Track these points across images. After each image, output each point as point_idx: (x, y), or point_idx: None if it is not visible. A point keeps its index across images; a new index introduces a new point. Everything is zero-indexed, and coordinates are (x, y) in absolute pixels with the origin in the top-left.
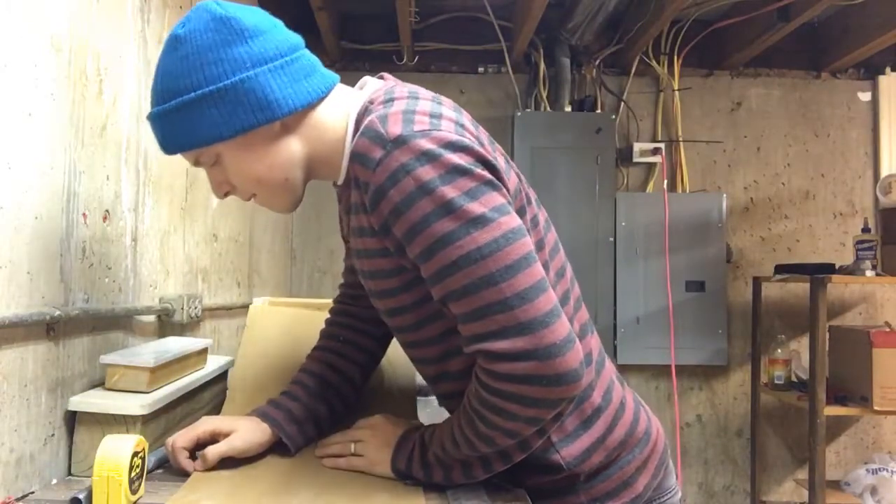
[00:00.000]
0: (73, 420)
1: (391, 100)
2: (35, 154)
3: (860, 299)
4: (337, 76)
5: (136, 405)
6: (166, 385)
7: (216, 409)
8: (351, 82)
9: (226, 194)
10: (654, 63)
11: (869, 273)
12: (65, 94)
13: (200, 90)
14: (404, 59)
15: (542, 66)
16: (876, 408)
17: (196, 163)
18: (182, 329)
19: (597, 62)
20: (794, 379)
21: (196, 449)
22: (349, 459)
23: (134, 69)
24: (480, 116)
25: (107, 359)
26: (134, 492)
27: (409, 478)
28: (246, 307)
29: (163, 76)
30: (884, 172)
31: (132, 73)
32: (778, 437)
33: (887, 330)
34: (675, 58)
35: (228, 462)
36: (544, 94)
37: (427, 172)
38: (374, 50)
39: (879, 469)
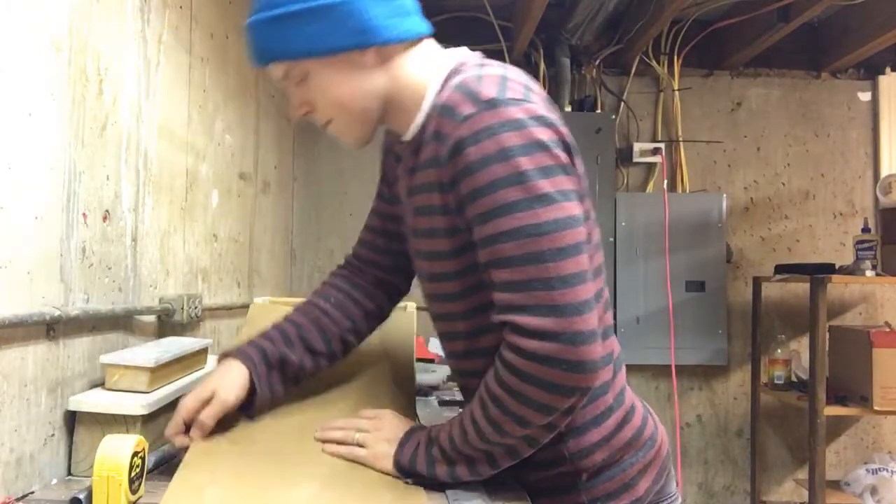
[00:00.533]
0: (73, 420)
1: (484, 65)
2: (35, 154)
3: (860, 299)
4: (430, 28)
5: (136, 405)
6: (166, 385)
7: None
8: None
9: (305, 114)
10: (654, 63)
11: (869, 273)
12: (65, 94)
13: (304, 4)
14: None
15: (542, 66)
16: (876, 408)
17: (284, 76)
18: (182, 329)
19: (597, 62)
20: (794, 379)
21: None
22: (351, 449)
23: (134, 69)
24: None
25: (107, 359)
26: (134, 492)
27: (411, 474)
28: (246, 307)
29: None
30: (884, 172)
31: (132, 73)
32: (778, 437)
33: (887, 330)
34: (675, 58)
35: (223, 427)
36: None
37: (510, 139)
38: None
39: (879, 469)
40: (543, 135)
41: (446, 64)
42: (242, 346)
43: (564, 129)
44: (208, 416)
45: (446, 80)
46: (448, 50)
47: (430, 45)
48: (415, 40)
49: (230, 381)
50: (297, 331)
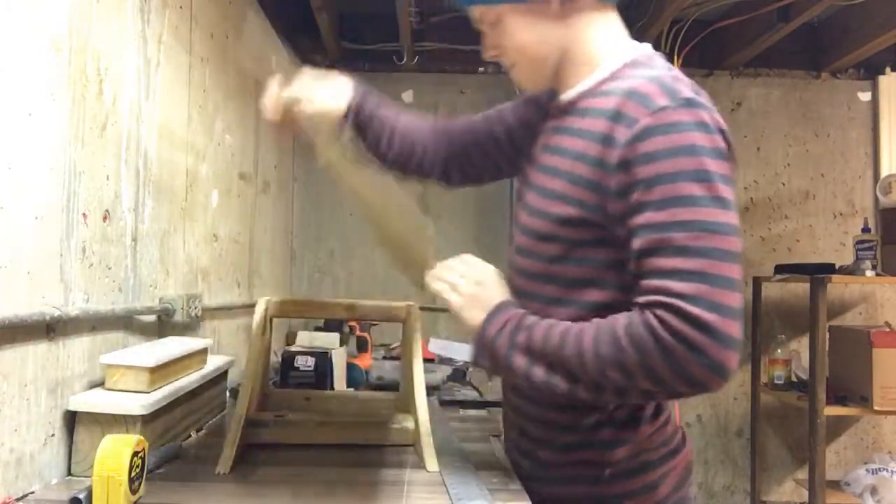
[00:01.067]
0: (73, 420)
1: (672, 68)
2: (35, 154)
3: (860, 299)
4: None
5: (136, 405)
6: (166, 385)
7: (217, 409)
8: None
9: (494, 56)
10: None
11: (869, 273)
12: (65, 94)
13: None
14: (404, 59)
15: None
16: (876, 408)
17: (480, 19)
18: (182, 329)
19: None
20: (794, 379)
21: None
22: (448, 293)
23: (134, 69)
24: None
25: (107, 359)
26: (134, 492)
27: (488, 347)
28: (246, 307)
29: None
30: (884, 172)
31: (132, 73)
32: (778, 437)
33: (887, 330)
34: (675, 58)
35: None
36: None
37: (700, 139)
38: (374, 50)
39: (879, 469)
40: (723, 145)
41: (629, 49)
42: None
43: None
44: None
45: (629, 66)
46: (627, 36)
47: (615, 19)
48: (598, 4)
49: (337, 101)
50: (393, 127)
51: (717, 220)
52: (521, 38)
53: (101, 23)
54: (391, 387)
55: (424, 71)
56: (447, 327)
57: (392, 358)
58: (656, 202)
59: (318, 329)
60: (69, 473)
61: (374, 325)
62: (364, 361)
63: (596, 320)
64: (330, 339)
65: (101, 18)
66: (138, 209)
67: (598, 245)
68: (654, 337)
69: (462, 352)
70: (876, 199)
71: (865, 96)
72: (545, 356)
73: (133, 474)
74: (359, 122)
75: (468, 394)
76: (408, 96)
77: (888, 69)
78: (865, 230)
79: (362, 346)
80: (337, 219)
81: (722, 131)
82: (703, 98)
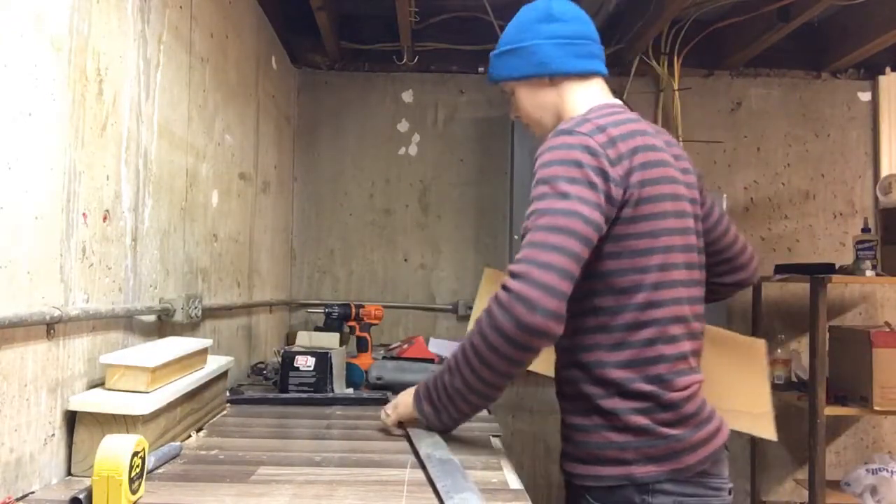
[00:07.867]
0: (73, 420)
1: (596, 110)
2: (35, 154)
3: (860, 299)
4: (604, 70)
5: (136, 405)
6: (166, 385)
7: (217, 409)
8: (350, 82)
9: (515, 117)
10: (654, 63)
11: (869, 273)
12: (65, 94)
13: (510, 46)
14: (404, 59)
15: None
16: (876, 408)
17: (502, 90)
18: (182, 329)
19: None
20: (794, 379)
21: None
22: (385, 418)
23: (134, 69)
24: (480, 116)
25: (107, 359)
26: (134, 492)
27: (423, 410)
28: (246, 307)
29: (507, 31)
30: (884, 172)
31: (132, 73)
32: (778, 437)
33: (887, 330)
34: (675, 58)
35: None
36: None
37: (556, 154)
38: (374, 50)
39: (879, 469)
40: (584, 158)
41: (586, 105)
42: None
43: (618, 168)
44: None
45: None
46: (603, 96)
47: (597, 84)
48: (582, 76)
49: None
50: None
51: (550, 207)
52: (524, 104)
53: (101, 23)
54: (391, 387)
55: (424, 71)
56: (447, 328)
57: (392, 358)
58: (529, 202)
59: (318, 329)
60: (69, 473)
61: (375, 324)
62: (364, 361)
63: None
64: (330, 339)
65: (101, 19)
66: (138, 209)
67: None
68: (493, 299)
69: None
70: (876, 199)
71: (865, 96)
72: (447, 368)
73: (133, 474)
74: None
75: None
76: (408, 96)
77: (888, 69)
78: (865, 230)
79: (362, 346)
80: (337, 219)
81: (589, 148)
82: (584, 128)
